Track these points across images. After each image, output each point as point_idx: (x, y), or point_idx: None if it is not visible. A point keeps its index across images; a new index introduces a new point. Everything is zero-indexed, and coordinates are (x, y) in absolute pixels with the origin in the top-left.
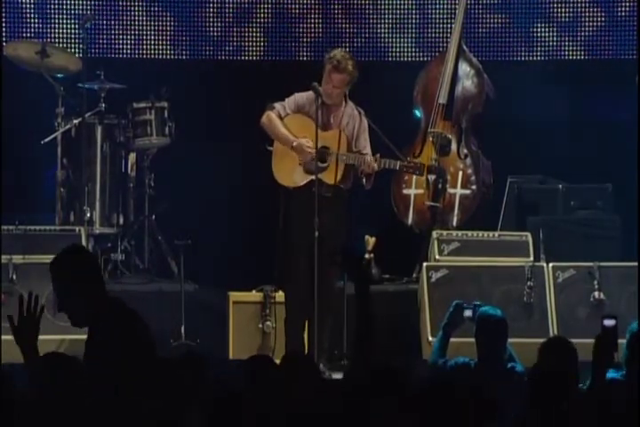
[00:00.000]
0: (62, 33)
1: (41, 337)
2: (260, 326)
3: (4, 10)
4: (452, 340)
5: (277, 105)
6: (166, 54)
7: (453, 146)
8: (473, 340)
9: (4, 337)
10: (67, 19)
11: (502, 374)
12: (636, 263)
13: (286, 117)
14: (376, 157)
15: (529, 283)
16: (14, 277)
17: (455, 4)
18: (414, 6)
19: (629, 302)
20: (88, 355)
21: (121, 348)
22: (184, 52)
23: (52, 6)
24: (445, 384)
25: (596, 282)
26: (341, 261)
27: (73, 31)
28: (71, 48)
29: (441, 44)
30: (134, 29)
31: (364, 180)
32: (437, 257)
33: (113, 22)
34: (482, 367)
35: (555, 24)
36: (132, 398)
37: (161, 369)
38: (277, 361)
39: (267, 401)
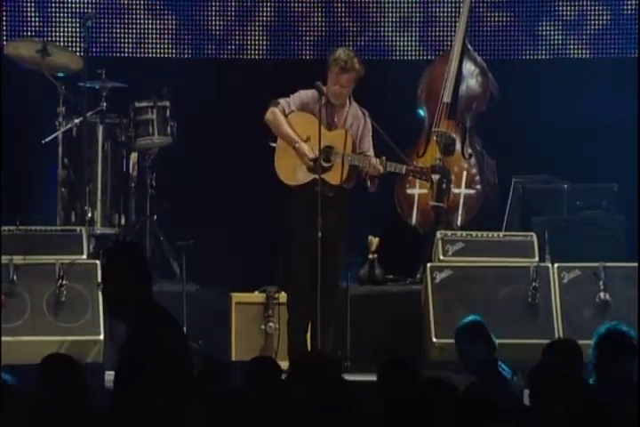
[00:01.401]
0: (63, 31)
1: (41, 338)
2: (263, 327)
3: (4, 8)
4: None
5: (282, 101)
6: (168, 53)
7: (457, 145)
8: None
9: (4, 338)
10: (68, 17)
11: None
12: None
13: (290, 115)
14: (382, 160)
15: (534, 283)
16: (15, 277)
17: (460, 2)
18: (418, 4)
19: (635, 303)
20: (123, 354)
21: (157, 354)
22: (186, 51)
23: (53, 5)
24: (447, 385)
25: (601, 283)
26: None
27: (74, 30)
28: (72, 47)
29: (445, 43)
30: (136, 28)
31: (368, 182)
32: (441, 257)
33: (114, 21)
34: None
35: (560, 22)
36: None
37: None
38: (280, 362)
39: (268, 402)
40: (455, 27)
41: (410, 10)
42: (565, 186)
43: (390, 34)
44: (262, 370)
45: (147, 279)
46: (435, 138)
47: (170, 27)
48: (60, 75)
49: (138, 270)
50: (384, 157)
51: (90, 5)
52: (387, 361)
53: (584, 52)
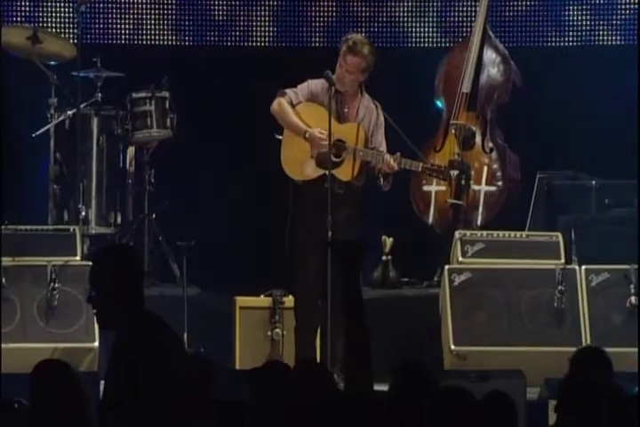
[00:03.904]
0: (55, 17)
1: (33, 345)
2: (269, 333)
3: None
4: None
5: (289, 91)
6: (168, 40)
7: (478, 139)
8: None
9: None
10: (60, 1)
11: None
12: None
13: (298, 105)
14: (396, 156)
15: (560, 287)
16: (3, 280)
17: None
18: None
19: None
20: (113, 367)
21: (151, 366)
22: (187, 38)
23: None
24: (461, 392)
25: (632, 286)
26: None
27: (67, 15)
28: (65, 33)
29: (465, 29)
30: (133, 13)
31: (381, 179)
32: (460, 259)
33: (110, 5)
34: None
35: (588, 6)
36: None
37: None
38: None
39: (279, 411)
40: (475, 11)
41: None
42: (593, 182)
43: (405, 19)
44: (275, 376)
45: (138, 285)
46: (453, 131)
47: (169, 12)
48: (52, 63)
49: (128, 275)
50: (399, 153)
51: None
52: (401, 368)
53: (613, 38)
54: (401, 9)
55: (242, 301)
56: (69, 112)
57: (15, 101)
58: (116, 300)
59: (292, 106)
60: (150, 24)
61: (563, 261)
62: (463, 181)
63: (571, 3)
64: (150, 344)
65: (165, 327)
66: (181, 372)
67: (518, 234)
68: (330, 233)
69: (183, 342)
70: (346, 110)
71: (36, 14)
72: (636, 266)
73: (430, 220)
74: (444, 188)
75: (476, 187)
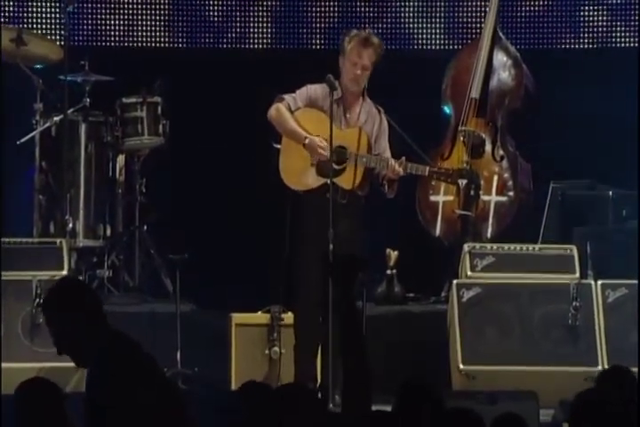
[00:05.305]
0: (41, 17)
1: (18, 365)
2: (267, 351)
3: None
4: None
5: (287, 97)
6: (160, 42)
7: (487, 146)
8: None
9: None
10: (46, 1)
11: None
12: None
13: (297, 111)
14: (401, 161)
15: (574, 303)
16: None
17: None
18: None
19: None
20: (91, 395)
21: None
22: (180, 40)
23: None
24: (474, 417)
25: None
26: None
27: (54, 15)
28: (52, 35)
29: (474, 31)
30: (124, 13)
31: (385, 186)
32: (469, 273)
33: (99, 5)
34: None
35: (604, 6)
36: None
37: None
38: None
39: None
40: (485, 12)
41: None
42: (610, 193)
43: (411, 20)
44: (254, 399)
45: (95, 314)
46: (462, 138)
47: (162, 12)
48: (38, 67)
49: (81, 311)
50: (403, 158)
51: None
52: (404, 387)
53: (632, 40)
54: (406, 9)
55: (238, 317)
56: (56, 118)
57: None
58: (81, 340)
59: (291, 112)
60: (142, 25)
61: (577, 275)
62: (472, 191)
63: (586, 2)
64: (125, 364)
65: (138, 347)
66: (158, 392)
67: (530, 247)
68: (331, 246)
69: (156, 362)
70: (347, 115)
71: (21, 15)
72: None
73: (437, 231)
74: (451, 198)
75: (485, 197)
